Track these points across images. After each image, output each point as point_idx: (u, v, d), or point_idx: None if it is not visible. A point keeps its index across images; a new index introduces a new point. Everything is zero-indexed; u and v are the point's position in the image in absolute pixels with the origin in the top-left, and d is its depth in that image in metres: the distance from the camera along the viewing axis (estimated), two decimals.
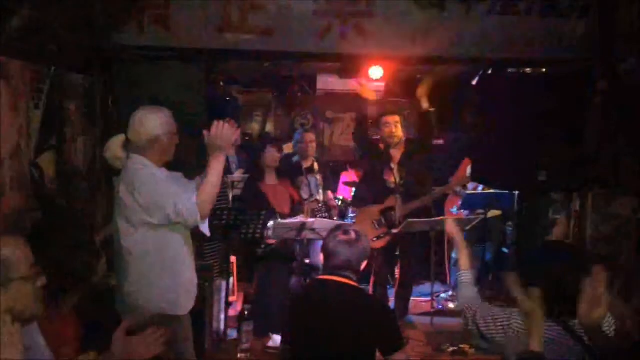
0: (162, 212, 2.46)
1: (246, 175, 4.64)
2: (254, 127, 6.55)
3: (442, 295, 5.45)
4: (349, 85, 6.09)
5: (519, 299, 1.85)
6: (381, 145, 4.58)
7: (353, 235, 2.49)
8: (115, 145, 2.60)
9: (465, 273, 2.42)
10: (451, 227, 2.69)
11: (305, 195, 4.68)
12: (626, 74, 3.65)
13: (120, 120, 3.53)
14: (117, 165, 2.61)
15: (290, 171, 4.76)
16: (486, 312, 2.19)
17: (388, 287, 4.96)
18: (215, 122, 2.51)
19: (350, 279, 2.49)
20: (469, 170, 5.27)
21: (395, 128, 4.51)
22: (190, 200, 2.46)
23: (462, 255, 2.50)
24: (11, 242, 1.55)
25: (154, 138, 2.53)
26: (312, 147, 4.98)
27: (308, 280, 4.11)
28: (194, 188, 2.58)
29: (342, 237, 2.48)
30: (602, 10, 3.81)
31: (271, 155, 4.46)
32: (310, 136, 5.08)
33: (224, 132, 2.50)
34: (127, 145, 2.57)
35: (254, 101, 6.57)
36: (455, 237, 2.63)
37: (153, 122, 2.54)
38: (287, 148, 5.69)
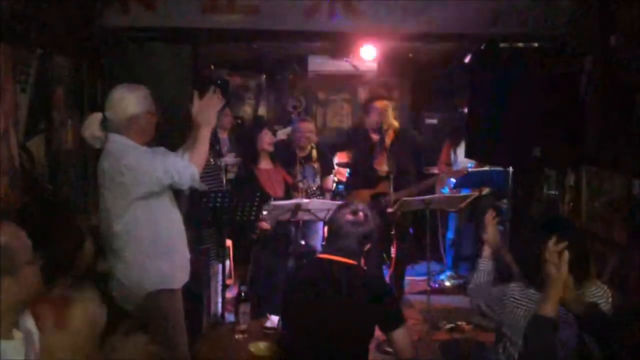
0: (151, 176, 2.47)
1: (240, 159, 4.60)
2: (246, 110, 6.52)
3: (441, 276, 5.48)
4: (341, 66, 6.06)
5: (547, 261, 1.86)
6: (374, 136, 4.51)
7: (361, 216, 2.46)
8: (93, 124, 2.56)
9: (485, 262, 2.56)
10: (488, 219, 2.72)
11: (300, 185, 4.63)
12: (623, 69, 3.62)
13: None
14: (96, 144, 2.59)
15: (285, 159, 4.64)
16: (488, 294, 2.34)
17: (384, 266, 4.96)
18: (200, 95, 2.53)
19: (351, 258, 2.48)
20: (461, 150, 5.28)
21: (385, 114, 4.45)
22: (180, 159, 2.50)
23: (486, 247, 2.61)
24: (8, 229, 1.52)
25: (132, 117, 2.51)
26: (309, 138, 4.67)
27: (305, 260, 4.11)
28: (178, 154, 2.62)
29: (350, 217, 2.45)
30: (602, 7, 3.78)
31: (268, 138, 4.41)
32: (308, 126, 4.72)
33: (210, 104, 2.55)
34: (106, 124, 2.55)
35: (245, 84, 6.53)
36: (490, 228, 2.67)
37: (131, 100, 2.52)
38: (283, 134, 5.59)
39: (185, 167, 2.50)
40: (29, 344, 1.54)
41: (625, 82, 3.47)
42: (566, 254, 1.83)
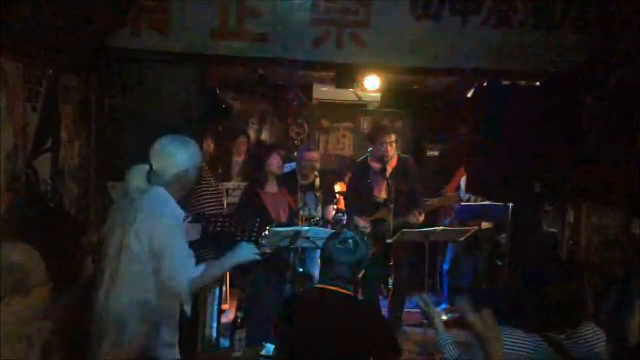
0: (158, 264, 2.31)
1: (242, 184, 4.61)
2: (250, 135, 6.57)
3: (438, 309, 5.43)
4: (345, 95, 6.13)
5: (473, 324, 1.81)
6: (375, 165, 4.57)
7: (351, 244, 2.49)
8: (139, 177, 2.42)
9: (444, 336, 2.42)
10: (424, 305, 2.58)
11: (301, 212, 4.63)
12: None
13: (114, 123, 3.53)
14: (138, 197, 2.41)
15: (288, 186, 4.63)
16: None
17: (381, 297, 4.93)
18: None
19: (346, 288, 2.48)
20: (464, 181, 5.29)
21: (391, 147, 4.52)
22: (191, 274, 2.31)
23: (437, 322, 2.48)
24: (23, 249, 1.50)
25: (183, 172, 2.41)
26: (312, 167, 4.69)
27: (302, 289, 4.09)
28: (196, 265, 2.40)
29: (340, 246, 2.48)
30: (602, 21, 3.86)
31: (277, 162, 4.41)
32: (312, 155, 4.75)
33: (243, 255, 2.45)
34: (151, 177, 2.42)
35: (250, 109, 6.59)
36: (430, 309, 2.55)
37: (183, 155, 2.41)
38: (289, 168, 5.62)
39: (187, 282, 2.29)
40: None
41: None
42: (491, 316, 1.79)
